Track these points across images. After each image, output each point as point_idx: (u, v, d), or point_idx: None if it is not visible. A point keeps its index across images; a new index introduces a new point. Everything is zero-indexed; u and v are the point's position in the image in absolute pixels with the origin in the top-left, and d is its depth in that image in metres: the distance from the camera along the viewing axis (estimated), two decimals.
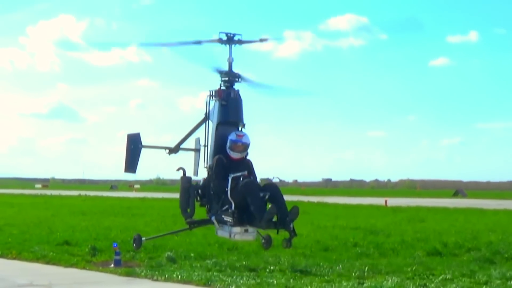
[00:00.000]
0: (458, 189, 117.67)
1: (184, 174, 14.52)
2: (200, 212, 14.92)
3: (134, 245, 15.86)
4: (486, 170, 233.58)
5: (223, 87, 14.37)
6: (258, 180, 13.89)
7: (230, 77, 14.30)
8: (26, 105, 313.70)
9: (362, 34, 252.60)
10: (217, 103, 14.28)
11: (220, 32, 14.32)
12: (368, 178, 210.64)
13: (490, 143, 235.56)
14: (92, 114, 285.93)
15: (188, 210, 14.38)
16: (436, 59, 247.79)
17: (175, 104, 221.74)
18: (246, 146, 13.57)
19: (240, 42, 14.34)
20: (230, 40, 14.22)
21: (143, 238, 15.76)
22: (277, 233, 13.39)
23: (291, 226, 12.96)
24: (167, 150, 15.18)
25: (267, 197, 13.10)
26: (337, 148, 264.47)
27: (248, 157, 13.93)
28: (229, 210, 13.22)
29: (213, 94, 14.43)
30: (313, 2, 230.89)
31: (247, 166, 13.59)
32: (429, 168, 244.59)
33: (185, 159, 15.36)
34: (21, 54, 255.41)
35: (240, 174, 13.34)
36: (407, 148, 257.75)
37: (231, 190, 13.15)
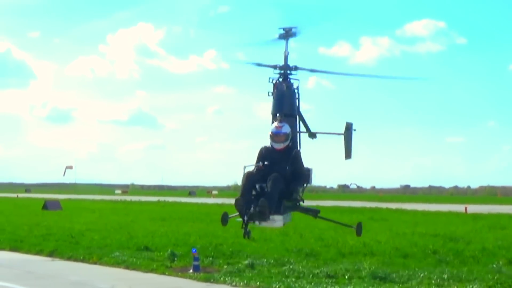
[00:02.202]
0: None
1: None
2: None
3: (222, 221, 16.00)
4: None
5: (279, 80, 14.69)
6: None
7: (285, 70, 14.56)
8: (106, 112, 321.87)
9: (440, 39, 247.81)
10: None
11: (279, 28, 14.58)
12: (447, 184, 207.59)
13: None
14: (170, 120, 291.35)
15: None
16: None
17: (252, 111, 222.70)
18: (286, 136, 13.76)
19: (295, 35, 14.55)
20: (287, 33, 14.46)
21: (230, 216, 15.89)
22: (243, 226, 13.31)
23: (245, 218, 12.90)
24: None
25: (266, 190, 13.19)
26: (415, 154, 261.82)
27: (295, 147, 14.06)
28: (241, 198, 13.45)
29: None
30: (390, 8, 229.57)
31: (289, 156, 13.68)
32: (511, 174, 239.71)
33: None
34: (101, 62, 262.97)
35: (253, 165, 13.49)
36: (487, 154, 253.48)
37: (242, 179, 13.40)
